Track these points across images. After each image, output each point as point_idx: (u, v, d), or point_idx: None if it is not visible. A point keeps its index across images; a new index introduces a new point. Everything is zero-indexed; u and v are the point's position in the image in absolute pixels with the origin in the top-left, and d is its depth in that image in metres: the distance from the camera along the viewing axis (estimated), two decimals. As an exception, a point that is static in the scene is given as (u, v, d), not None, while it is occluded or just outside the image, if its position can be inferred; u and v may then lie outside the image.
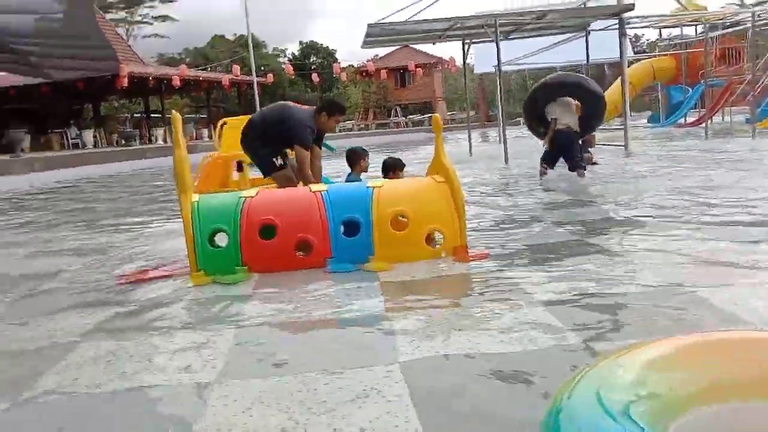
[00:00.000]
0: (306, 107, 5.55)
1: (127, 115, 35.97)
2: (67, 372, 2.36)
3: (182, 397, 2.10)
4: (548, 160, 8.06)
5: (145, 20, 47.19)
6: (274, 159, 5.37)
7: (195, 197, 3.84)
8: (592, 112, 8.03)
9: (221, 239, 3.81)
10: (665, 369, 1.24)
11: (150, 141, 27.26)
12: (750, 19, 14.06)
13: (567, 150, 7.86)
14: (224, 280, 3.54)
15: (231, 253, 3.65)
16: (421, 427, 1.76)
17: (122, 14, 45.76)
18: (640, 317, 2.57)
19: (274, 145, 5.35)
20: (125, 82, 23.56)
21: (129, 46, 32.49)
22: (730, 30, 20.00)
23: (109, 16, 36.39)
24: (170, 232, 5.50)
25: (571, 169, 7.85)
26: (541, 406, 1.86)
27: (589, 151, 9.09)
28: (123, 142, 26.63)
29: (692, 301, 2.69)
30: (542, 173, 8.01)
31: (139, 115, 34.60)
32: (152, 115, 31.19)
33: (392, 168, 4.99)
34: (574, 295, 2.92)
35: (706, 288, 2.84)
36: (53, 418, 2.02)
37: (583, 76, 8.07)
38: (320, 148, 5.42)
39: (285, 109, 5.47)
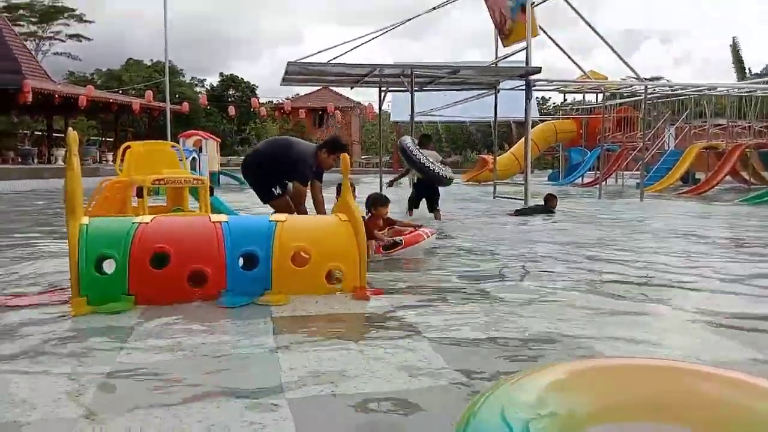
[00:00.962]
0: (308, 143, 6.03)
1: (26, 132, 34.00)
2: None
3: None
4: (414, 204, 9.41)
5: (57, 37, 45.15)
6: (273, 189, 5.79)
7: (85, 220, 3.64)
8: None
9: (111, 267, 3.62)
10: (563, 390, 1.36)
11: (49, 161, 25.84)
12: (644, 91, 15.29)
13: (429, 194, 9.22)
14: (106, 310, 3.35)
15: (117, 281, 3.47)
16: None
17: (33, 28, 43.61)
18: (522, 359, 2.65)
19: (275, 175, 5.75)
20: (28, 98, 22.38)
21: (37, 61, 30.94)
22: (626, 100, 21.66)
23: (18, 29, 34.58)
24: (56, 256, 5.19)
25: (430, 210, 9.19)
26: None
27: (553, 211, 10.16)
28: (20, 160, 25.07)
29: (567, 343, 2.82)
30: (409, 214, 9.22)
31: (40, 133, 32.82)
32: (55, 134, 29.66)
33: (376, 204, 5.36)
34: (462, 337, 2.98)
35: (581, 333, 2.99)
36: None
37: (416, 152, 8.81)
38: (320, 182, 5.80)
39: (289, 143, 5.93)
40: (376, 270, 4.65)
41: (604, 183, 17.53)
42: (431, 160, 8.73)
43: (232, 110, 37.01)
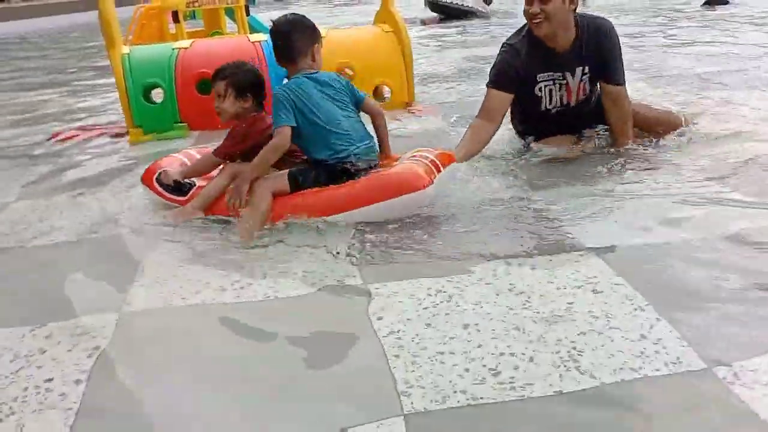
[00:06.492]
0: None
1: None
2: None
3: (112, 246, 2.10)
4: None
5: None
6: None
7: (126, 49, 3.58)
8: None
9: (159, 96, 3.62)
10: None
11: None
12: None
13: None
14: (163, 137, 3.40)
15: (168, 109, 3.48)
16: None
17: None
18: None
19: None
20: None
21: None
22: None
23: None
24: (105, 90, 5.24)
25: None
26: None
27: None
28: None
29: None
30: None
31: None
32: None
33: None
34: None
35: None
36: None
37: None
38: None
39: None
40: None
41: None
42: None
43: None
